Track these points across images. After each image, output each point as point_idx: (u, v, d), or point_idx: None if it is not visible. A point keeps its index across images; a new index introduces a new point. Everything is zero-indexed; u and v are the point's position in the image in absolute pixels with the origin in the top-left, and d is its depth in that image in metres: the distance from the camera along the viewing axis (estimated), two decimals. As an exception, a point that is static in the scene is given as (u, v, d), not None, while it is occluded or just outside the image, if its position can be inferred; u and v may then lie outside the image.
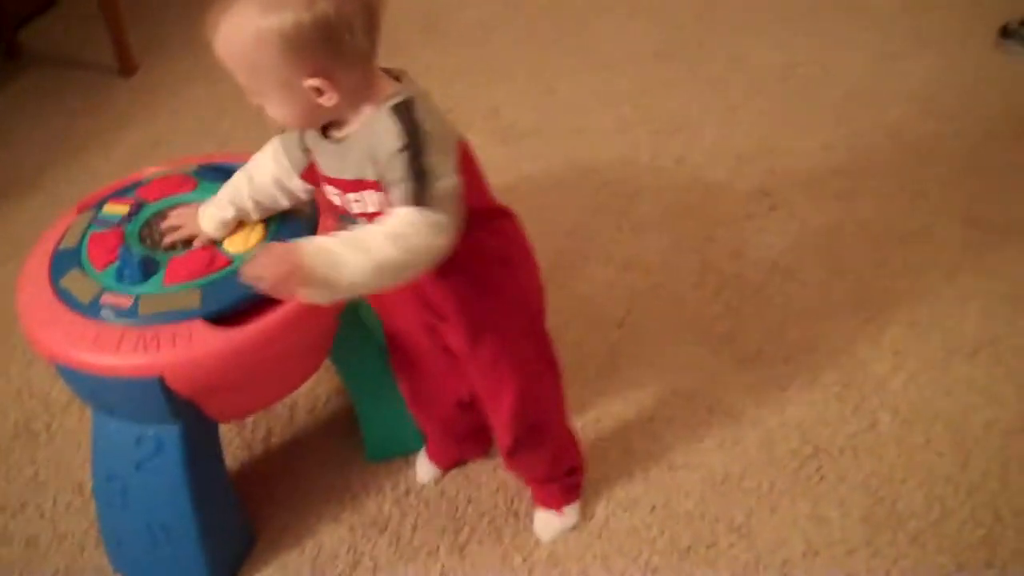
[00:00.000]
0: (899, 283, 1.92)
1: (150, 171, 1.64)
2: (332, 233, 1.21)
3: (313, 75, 1.19)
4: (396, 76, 1.29)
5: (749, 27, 2.65)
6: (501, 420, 1.48)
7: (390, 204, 1.22)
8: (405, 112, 1.23)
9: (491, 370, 1.43)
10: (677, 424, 1.71)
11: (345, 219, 1.34)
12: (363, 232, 1.19)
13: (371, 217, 1.26)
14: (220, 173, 1.59)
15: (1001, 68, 2.44)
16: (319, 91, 1.21)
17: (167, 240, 1.46)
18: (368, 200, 1.26)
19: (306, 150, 1.35)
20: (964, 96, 2.36)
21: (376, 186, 1.24)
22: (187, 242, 1.46)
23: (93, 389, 1.42)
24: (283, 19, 1.16)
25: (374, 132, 1.23)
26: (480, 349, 1.40)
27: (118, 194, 1.57)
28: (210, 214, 1.45)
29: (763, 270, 1.97)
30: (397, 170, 1.20)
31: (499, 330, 1.41)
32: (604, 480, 1.64)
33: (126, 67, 2.74)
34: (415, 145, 1.21)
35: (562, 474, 1.58)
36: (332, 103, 1.22)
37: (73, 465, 1.74)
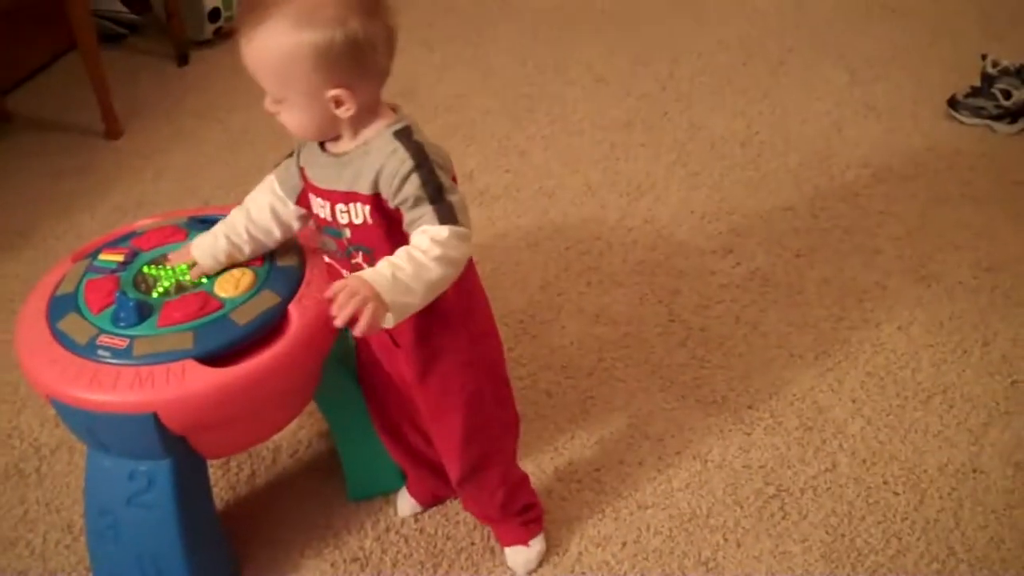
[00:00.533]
0: (857, 335, 2.02)
1: (143, 223, 1.72)
2: (386, 261, 1.31)
3: (337, 86, 1.31)
4: (392, 107, 1.40)
5: (709, 98, 2.77)
6: (448, 453, 1.56)
7: (411, 222, 1.33)
8: (407, 136, 1.35)
9: (438, 403, 1.51)
10: (647, 466, 1.79)
11: (328, 230, 1.43)
12: (415, 256, 1.30)
13: (354, 227, 1.38)
14: (208, 224, 1.67)
15: (949, 135, 2.57)
16: (339, 102, 1.32)
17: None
18: (355, 211, 1.37)
19: (301, 169, 1.45)
20: (914, 161, 2.48)
21: (368, 200, 1.35)
22: (179, 288, 1.54)
23: (89, 425, 1.48)
24: (318, 34, 1.28)
25: (379, 153, 1.34)
26: (430, 379, 1.48)
27: (113, 244, 1.64)
28: (204, 244, 1.54)
29: (728, 322, 2.06)
30: (413, 189, 1.31)
31: (449, 365, 1.48)
32: (577, 518, 1.71)
33: (112, 131, 2.82)
34: (425, 165, 1.33)
35: (517, 512, 1.64)
36: (348, 115, 1.33)
37: (63, 505, 1.79)
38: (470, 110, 2.83)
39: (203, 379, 1.42)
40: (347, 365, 1.66)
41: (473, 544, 1.68)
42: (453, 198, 1.34)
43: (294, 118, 1.35)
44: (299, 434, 1.88)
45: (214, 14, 3.16)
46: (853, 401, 1.88)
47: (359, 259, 1.41)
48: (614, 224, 2.35)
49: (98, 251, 1.63)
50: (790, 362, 1.97)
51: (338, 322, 1.27)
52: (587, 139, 2.66)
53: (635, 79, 2.89)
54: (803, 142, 2.57)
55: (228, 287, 1.52)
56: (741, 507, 1.71)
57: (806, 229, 2.29)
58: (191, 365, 1.42)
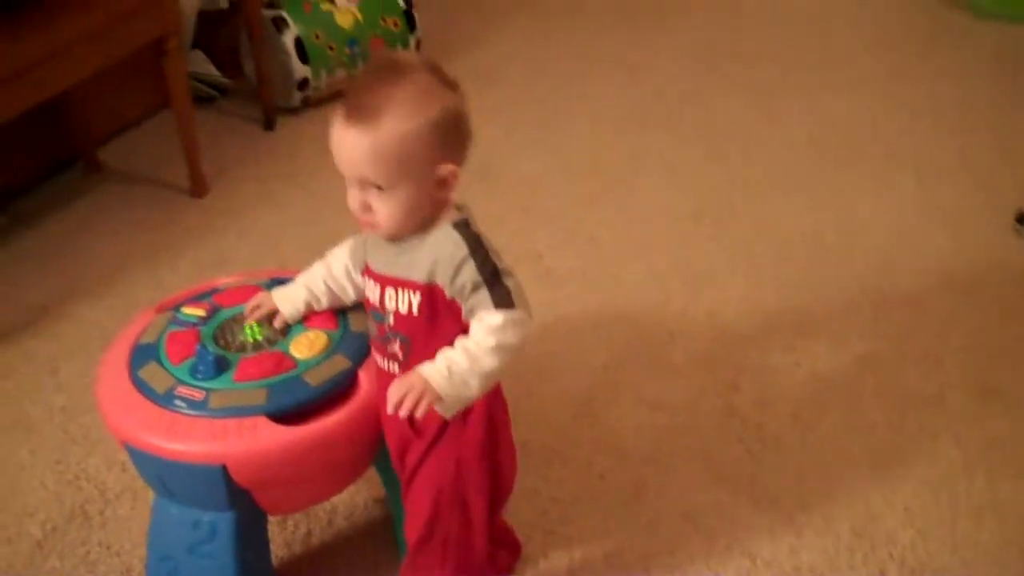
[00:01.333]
0: (913, 444, 2.02)
1: (225, 280, 1.79)
2: (443, 356, 1.38)
3: (449, 162, 1.39)
4: (456, 205, 1.47)
5: (778, 196, 2.81)
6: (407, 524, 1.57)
7: (469, 310, 1.39)
8: (465, 228, 1.42)
9: (419, 496, 1.52)
10: (696, 560, 1.80)
11: (374, 314, 1.49)
12: (471, 347, 1.37)
13: (398, 315, 1.44)
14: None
15: (1015, 250, 2.58)
16: (444, 182, 1.39)
17: (249, 319, 1.62)
18: (403, 298, 1.43)
19: (365, 249, 1.52)
20: (980, 273, 2.49)
21: (421, 288, 1.41)
22: (256, 345, 1.60)
23: (160, 473, 1.53)
24: (433, 112, 1.36)
25: (436, 242, 1.41)
26: (425, 471, 1.50)
27: (196, 299, 1.72)
28: (284, 294, 1.62)
29: (785, 421, 2.07)
30: (470, 275, 1.38)
31: (444, 451, 1.49)
32: (623, 604, 1.73)
33: (198, 189, 2.92)
34: (480, 251, 1.39)
35: None
36: (447, 195, 1.41)
37: (123, 549, 1.85)
38: (542, 193, 2.89)
39: (273, 436, 1.48)
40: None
41: (519, 620, 1.70)
42: (509, 282, 1.40)
43: (393, 208, 1.39)
44: (356, 497, 1.92)
45: (303, 83, 3.27)
46: (906, 510, 1.88)
47: (396, 347, 1.47)
48: (677, 313, 2.38)
49: (181, 304, 1.70)
50: (845, 467, 1.97)
51: (389, 410, 1.36)
52: (655, 228, 2.70)
53: (706, 172, 2.94)
54: (869, 246, 2.60)
55: (303, 348, 1.58)
56: (787, 607, 1.72)
57: (868, 333, 2.30)
58: (263, 421, 1.48)
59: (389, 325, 1.46)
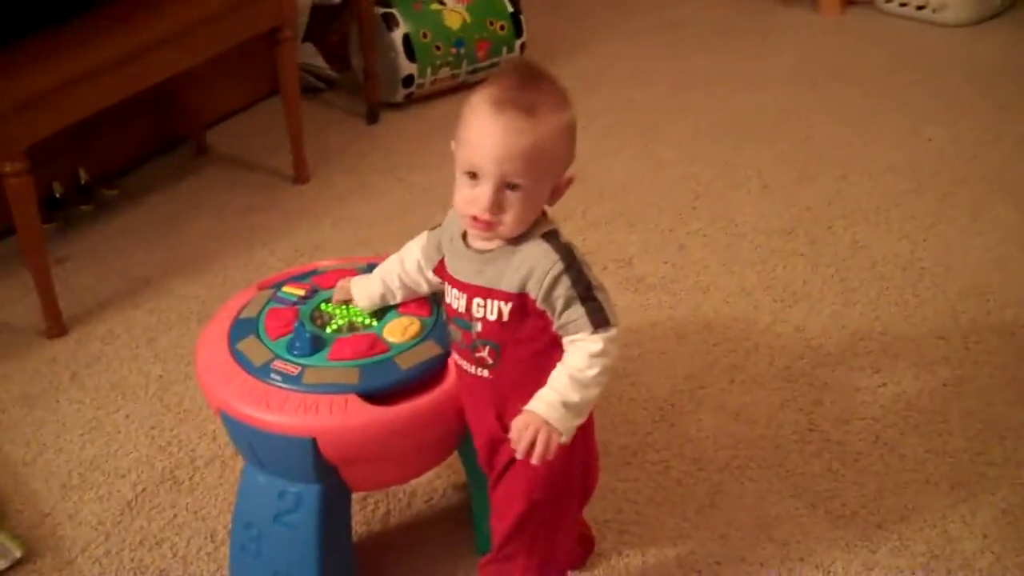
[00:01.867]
0: (995, 471, 2.00)
1: (326, 263, 1.85)
2: (552, 390, 1.40)
3: (568, 167, 1.42)
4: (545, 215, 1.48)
5: (874, 218, 2.79)
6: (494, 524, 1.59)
7: (562, 325, 1.41)
8: (556, 239, 1.42)
9: (511, 494, 1.53)
10: (768, 568, 1.80)
11: (458, 321, 1.50)
12: (578, 376, 1.40)
13: (487, 323, 1.44)
14: (385, 272, 1.80)
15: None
16: (560, 189, 1.42)
17: (334, 300, 1.67)
18: (492, 308, 1.44)
19: (439, 250, 1.54)
20: (1079, 309, 2.45)
21: (511, 299, 1.42)
22: (351, 327, 1.65)
23: (252, 442, 1.59)
24: (569, 112, 1.40)
25: (528, 254, 1.41)
26: (517, 470, 1.50)
27: (297, 279, 1.77)
28: (361, 285, 1.66)
29: (867, 439, 2.07)
30: (564, 290, 1.39)
31: (546, 472, 1.48)
32: (692, 607, 1.74)
33: (300, 176, 3.01)
34: (574, 265, 1.40)
35: None
36: (554, 203, 1.44)
37: (209, 515, 1.91)
38: (636, 199, 2.91)
39: (363, 414, 1.52)
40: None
41: (588, 614, 1.73)
42: (601, 296, 1.41)
43: (523, 209, 1.39)
44: (435, 483, 1.96)
45: (408, 80, 3.34)
46: (984, 536, 1.86)
47: (484, 353, 1.48)
48: (764, 328, 2.38)
49: (282, 283, 1.76)
50: (924, 488, 1.96)
51: (519, 455, 1.40)
52: (747, 242, 2.71)
53: (801, 190, 2.94)
54: (964, 274, 2.57)
55: (396, 333, 1.62)
56: (857, 623, 1.72)
57: (957, 359, 2.28)
58: (354, 399, 1.52)
59: (477, 332, 1.47)
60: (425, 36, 3.34)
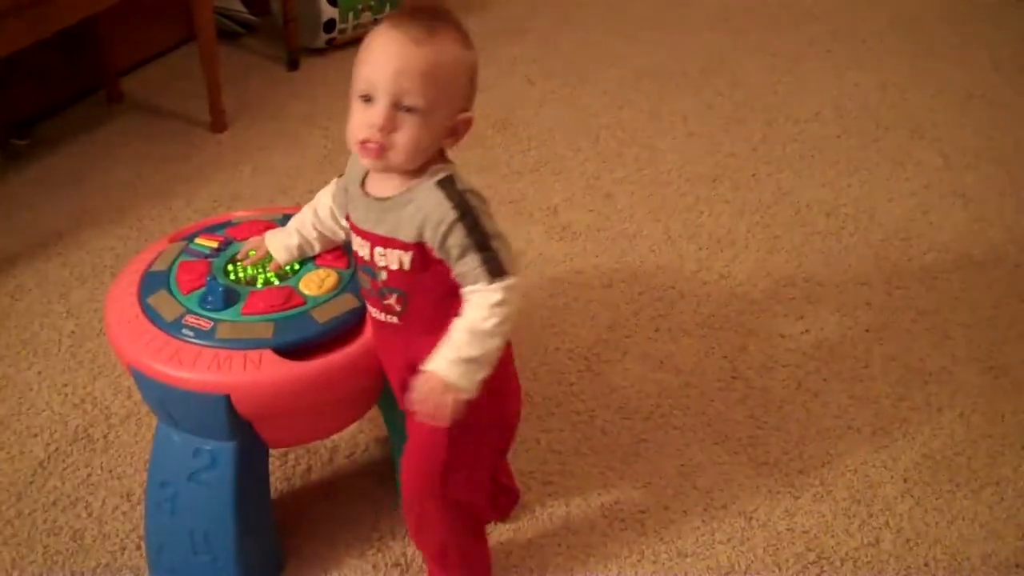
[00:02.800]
0: (916, 416, 2.02)
1: (240, 214, 1.79)
2: (451, 346, 1.36)
3: (468, 110, 1.39)
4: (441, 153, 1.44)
5: (799, 165, 2.79)
6: (406, 477, 1.56)
7: (459, 274, 1.37)
8: (451, 185, 1.38)
9: (423, 438, 1.50)
10: (691, 516, 1.81)
11: (365, 269, 1.46)
12: (477, 329, 1.36)
13: (391, 271, 1.41)
14: (301, 224, 1.75)
15: (1036, 231, 2.57)
16: (456, 129, 1.39)
17: (244, 263, 1.62)
18: (392, 257, 1.40)
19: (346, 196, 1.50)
20: (996, 252, 2.47)
21: (411, 247, 1.38)
22: (266, 281, 1.60)
23: (164, 399, 1.54)
24: (473, 55, 1.38)
25: (422, 202, 1.37)
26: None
27: (209, 230, 1.72)
28: (278, 239, 1.62)
29: (790, 386, 2.07)
30: (459, 239, 1.35)
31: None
32: (615, 556, 1.74)
33: (217, 124, 2.93)
34: (469, 214, 1.36)
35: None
36: (451, 145, 1.41)
37: (124, 473, 1.87)
38: (561, 146, 2.88)
39: (277, 369, 1.48)
40: (414, 376, 1.71)
41: (515, 567, 1.72)
42: (498, 244, 1.37)
43: (417, 135, 1.35)
44: (358, 437, 1.94)
45: (329, 25, 3.26)
46: (905, 480, 1.89)
47: (392, 300, 1.44)
48: (689, 275, 2.38)
49: (194, 235, 1.70)
50: (846, 434, 1.98)
51: (420, 418, 1.38)
52: (673, 189, 2.69)
53: (727, 137, 2.93)
54: (887, 220, 2.58)
55: (312, 286, 1.58)
56: (780, 568, 1.73)
57: (879, 305, 2.30)
58: (268, 355, 1.49)
59: (383, 280, 1.43)
60: (346, -21, 3.26)
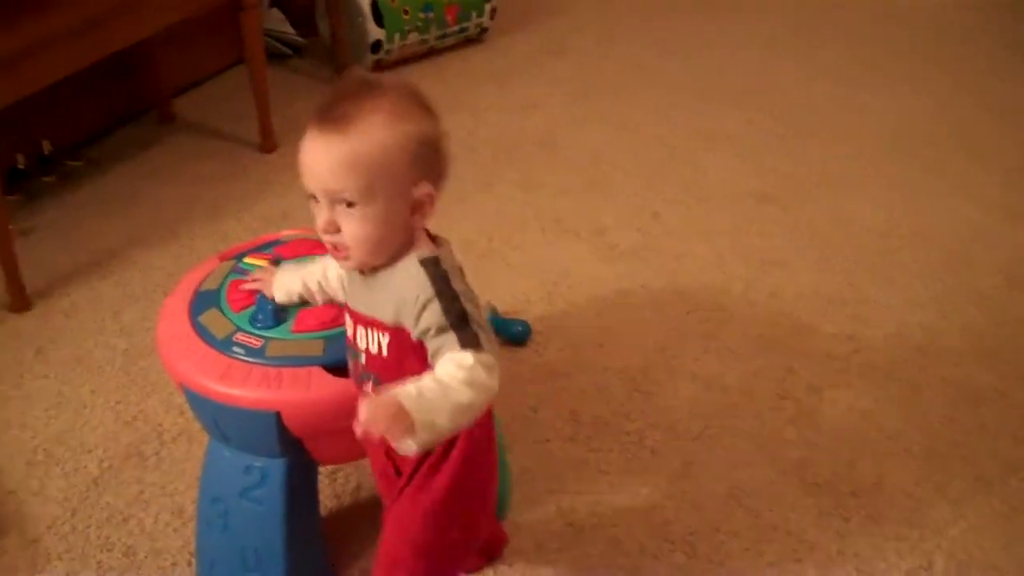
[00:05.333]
0: (970, 439, 1.99)
1: (289, 233, 1.81)
2: (412, 382, 1.21)
3: (425, 182, 1.29)
4: (435, 239, 1.36)
5: (853, 185, 2.77)
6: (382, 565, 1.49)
7: (433, 352, 1.26)
8: (434, 266, 1.30)
9: (388, 536, 1.46)
10: (741, 537, 1.79)
11: (351, 352, 1.42)
12: (441, 378, 1.21)
13: (369, 355, 1.35)
14: (350, 243, 1.76)
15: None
16: (420, 206, 1.30)
17: (241, 287, 1.60)
18: (372, 338, 1.35)
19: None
20: (1053, 274, 2.44)
21: (388, 330, 1.32)
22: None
23: (215, 416, 1.55)
24: (413, 126, 1.27)
25: (401, 280, 1.30)
26: (402, 501, 1.43)
27: (259, 249, 1.73)
28: (284, 280, 1.58)
29: (840, 408, 2.05)
30: (435, 317, 1.26)
31: (431, 502, 1.41)
32: (665, 578, 1.73)
33: (267, 144, 2.96)
34: (447, 292, 1.28)
35: None
36: (422, 222, 1.31)
37: (176, 490, 1.88)
38: (607, 165, 2.88)
39: (327, 386, 1.48)
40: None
41: (560, 587, 1.71)
42: (477, 328, 1.26)
43: (364, 229, 1.28)
44: (406, 455, 1.94)
45: (376, 46, 3.29)
46: (957, 504, 1.86)
47: (369, 387, 1.38)
48: (738, 295, 2.36)
49: (244, 254, 1.72)
50: (898, 455, 1.95)
51: (359, 428, 1.18)
52: (722, 209, 2.68)
53: (775, 156, 2.91)
54: (943, 242, 2.55)
55: (363, 304, 1.59)
56: (831, 592, 1.71)
57: (932, 328, 2.27)
58: (318, 372, 1.49)
59: (362, 364, 1.39)
60: (393, 1, 3.28)
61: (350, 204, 1.27)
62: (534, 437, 1.99)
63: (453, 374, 1.21)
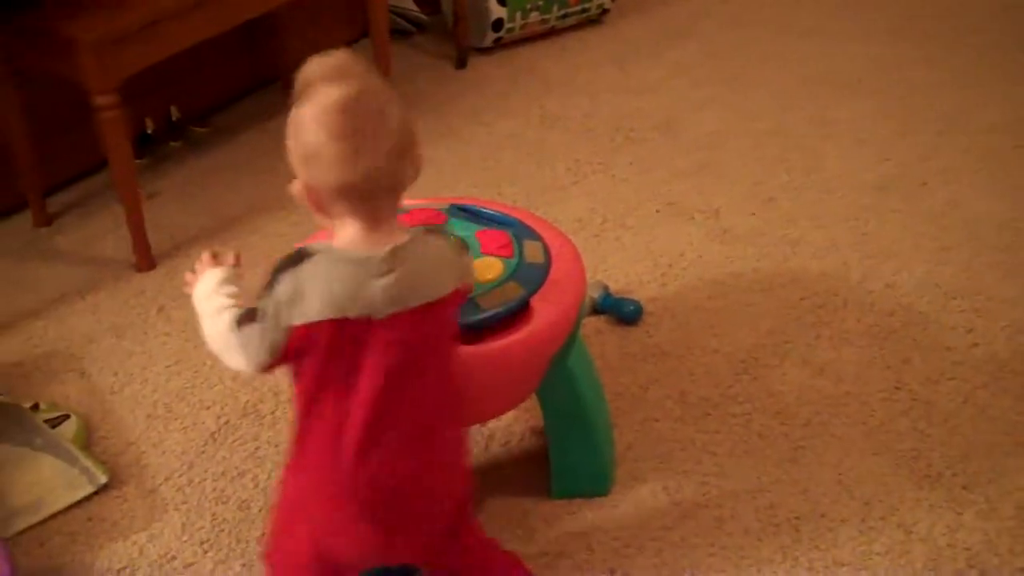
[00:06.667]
0: (1091, 438, 1.94)
1: (410, 202, 1.83)
2: (231, 291, 1.48)
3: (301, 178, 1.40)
4: (394, 248, 1.35)
5: (972, 176, 2.70)
6: None
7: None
8: (288, 263, 1.37)
9: None
10: (849, 525, 1.77)
11: None
12: (220, 304, 1.45)
13: None
14: (468, 212, 1.79)
15: None
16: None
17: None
18: None
19: None
20: None
21: None
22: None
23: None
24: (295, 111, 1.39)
25: None
26: None
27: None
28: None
29: (956, 400, 2.01)
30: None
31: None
32: (769, 561, 1.72)
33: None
34: (272, 286, 1.35)
35: None
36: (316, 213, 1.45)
37: (290, 448, 1.93)
38: (723, 149, 2.86)
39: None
40: (573, 368, 1.73)
41: (667, 565, 1.72)
42: (257, 323, 1.36)
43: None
44: (513, 426, 1.96)
45: (497, 24, 3.31)
46: (1076, 503, 1.82)
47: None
48: (854, 284, 2.33)
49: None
50: (1014, 451, 1.91)
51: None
52: (839, 197, 2.64)
53: (895, 146, 2.85)
54: (1067, 236, 2.48)
55: (478, 273, 1.61)
56: (939, 585, 1.68)
57: (1055, 323, 2.21)
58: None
59: None
60: (516, -20, 3.31)
61: None
62: (643, 415, 2.00)
63: (225, 311, 1.43)
